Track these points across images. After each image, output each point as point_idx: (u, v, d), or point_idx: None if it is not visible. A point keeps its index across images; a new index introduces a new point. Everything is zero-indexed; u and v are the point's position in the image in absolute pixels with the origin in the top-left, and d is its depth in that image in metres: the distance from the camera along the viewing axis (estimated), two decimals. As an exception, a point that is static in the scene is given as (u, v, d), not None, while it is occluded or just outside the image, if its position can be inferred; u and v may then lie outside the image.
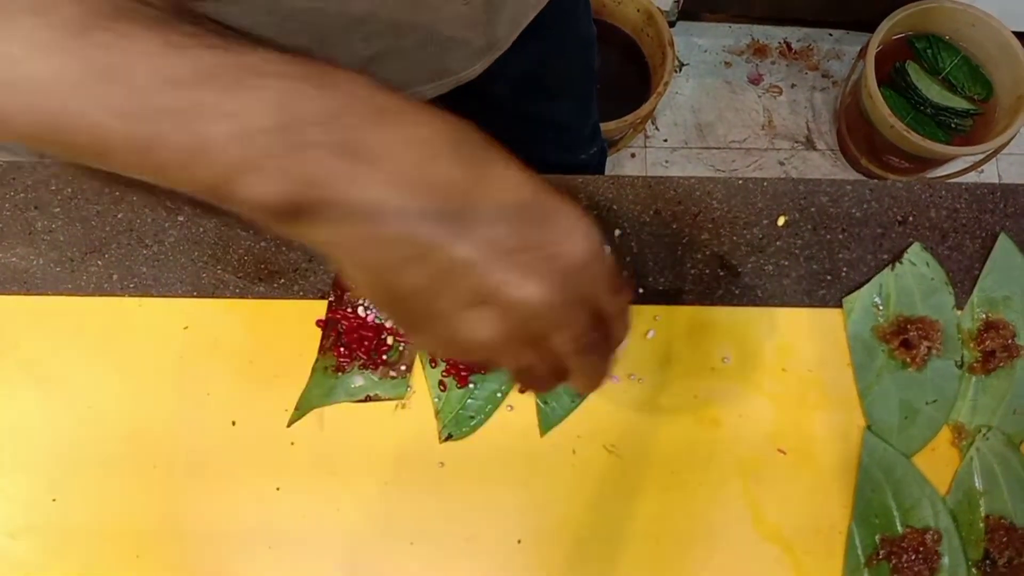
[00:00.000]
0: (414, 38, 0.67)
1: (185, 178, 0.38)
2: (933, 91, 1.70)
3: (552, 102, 1.01)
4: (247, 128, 0.36)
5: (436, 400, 0.64)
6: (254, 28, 0.60)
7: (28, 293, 0.65)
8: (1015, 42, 1.64)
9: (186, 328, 0.65)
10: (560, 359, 0.43)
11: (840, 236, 0.69)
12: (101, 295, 0.65)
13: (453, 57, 0.72)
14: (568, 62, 0.97)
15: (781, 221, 0.69)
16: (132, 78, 0.36)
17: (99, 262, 0.66)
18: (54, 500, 0.61)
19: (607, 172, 1.45)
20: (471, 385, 0.64)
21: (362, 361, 0.64)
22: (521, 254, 0.38)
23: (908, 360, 0.64)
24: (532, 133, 1.06)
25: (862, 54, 1.69)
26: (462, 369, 0.64)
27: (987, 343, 0.65)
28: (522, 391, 0.63)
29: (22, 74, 0.36)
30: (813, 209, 0.69)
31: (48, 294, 0.65)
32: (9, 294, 0.65)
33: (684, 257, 0.68)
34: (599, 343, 0.44)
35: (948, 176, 1.76)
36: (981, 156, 1.67)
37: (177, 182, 0.38)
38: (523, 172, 0.40)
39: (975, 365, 0.65)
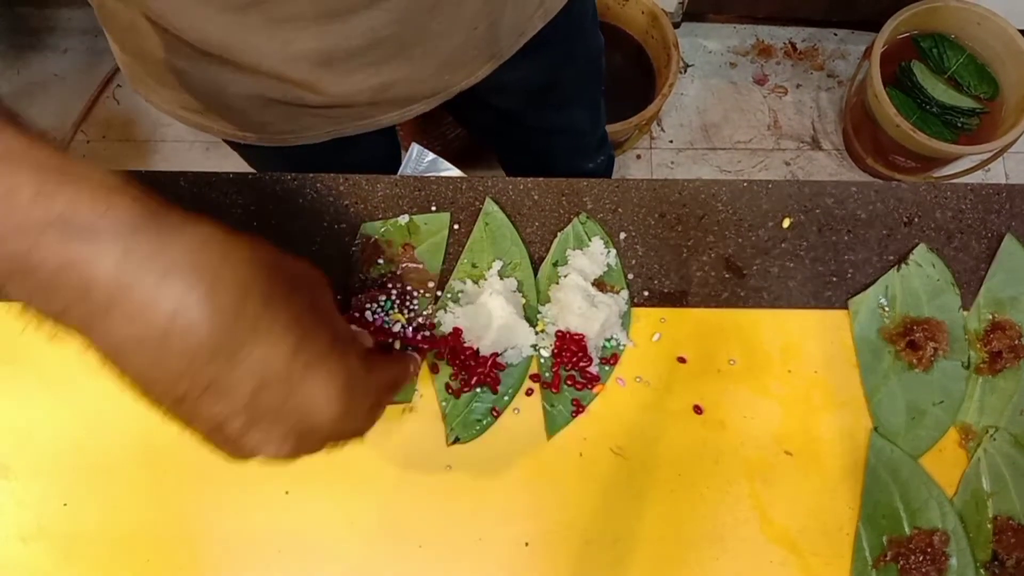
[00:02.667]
0: (423, 63, 0.67)
1: None
2: (939, 90, 1.70)
3: (560, 112, 1.01)
4: None
5: (443, 404, 0.64)
6: (261, 62, 0.61)
7: (38, 300, 0.65)
8: (1021, 40, 1.63)
9: (195, 333, 0.65)
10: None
11: (846, 237, 0.69)
12: (110, 301, 0.65)
13: (458, 74, 0.73)
14: (576, 73, 0.97)
15: (786, 223, 0.69)
16: None
17: (108, 268, 0.66)
18: (65, 505, 0.61)
19: (613, 174, 1.45)
20: (477, 389, 0.64)
21: (369, 365, 0.64)
22: (264, 424, 0.39)
23: (915, 361, 0.64)
24: (541, 143, 1.06)
25: (867, 54, 1.69)
26: (463, 383, 0.64)
27: (994, 344, 0.65)
28: None
29: None
30: (818, 211, 0.69)
31: (58, 300, 0.65)
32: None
33: (690, 260, 0.68)
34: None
35: (955, 175, 1.75)
36: (988, 155, 1.66)
37: None
38: (285, 338, 0.38)
39: (982, 366, 0.65)
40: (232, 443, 0.40)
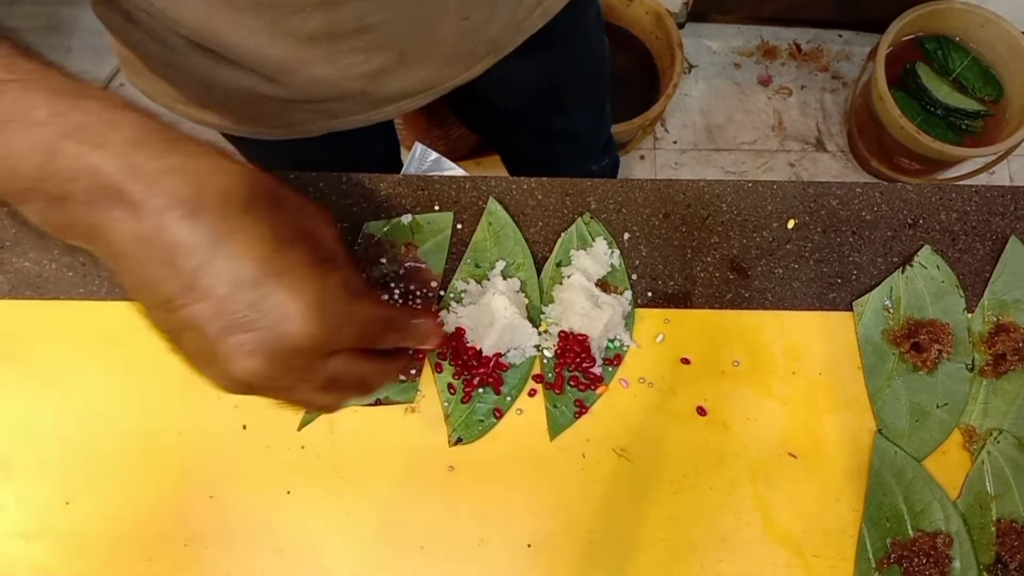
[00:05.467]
0: (413, 54, 0.67)
1: None
2: (943, 92, 1.70)
3: (565, 114, 1.01)
4: (11, 171, 0.39)
5: (446, 404, 0.64)
6: (248, 49, 0.61)
7: (41, 298, 0.65)
8: (1026, 42, 1.63)
9: (197, 332, 0.65)
10: (321, 391, 0.45)
11: (850, 239, 0.69)
12: (113, 299, 0.66)
13: (452, 67, 0.73)
14: (580, 76, 0.97)
15: (791, 224, 0.69)
16: None
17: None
18: (67, 503, 0.61)
19: (617, 175, 1.45)
20: (480, 390, 0.64)
21: (372, 365, 0.64)
22: (238, 334, 0.40)
23: (919, 363, 0.64)
24: (545, 145, 1.06)
25: (872, 55, 1.69)
26: (466, 384, 0.64)
27: (998, 346, 0.65)
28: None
29: None
30: (823, 212, 0.69)
31: (60, 299, 0.65)
32: (23, 299, 0.65)
33: (694, 260, 0.68)
34: (352, 385, 0.46)
35: (959, 177, 1.75)
36: (992, 157, 1.66)
37: None
38: (259, 246, 0.40)
39: (986, 368, 0.65)
40: (208, 355, 0.41)
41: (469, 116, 1.11)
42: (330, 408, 0.48)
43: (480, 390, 0.64)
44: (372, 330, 0.46)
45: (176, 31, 0.60)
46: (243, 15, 0.58)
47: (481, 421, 0.64)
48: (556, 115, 1.00)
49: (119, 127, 0.39)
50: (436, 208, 0.69)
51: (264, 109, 0.72)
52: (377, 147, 0.98)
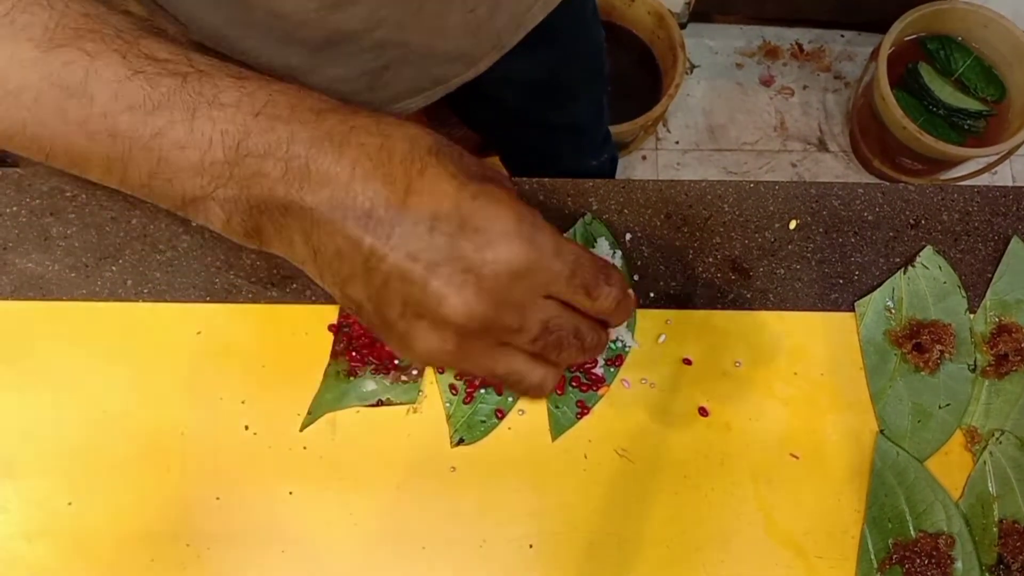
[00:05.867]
0: (420, 49, 0.67)
1: (152, 196, 0.41)
2: (946, 92, 1.70)
3: (563, 108, 1.01)
4: (199, 161, 0.39)
5: (447, 404, 0.64)
6: (261, 53, 0.61)
7: (43, 299, 0.65)
8: (1029, 43, 1.63)
9: (199, 333, 0.65)
10: (533, 361, 0.44)
11: (852, 239, 0.69)
12: (115, 300, 0.66)
13: (457, 64, 0.73)
14: (579, 68, 0.97)
15: (793, 225, 0.69)
16: (93, 99, 0.39)
17: (113, 268, 0.66)
18: (70, 504, 0.62)
19: (618, 175, 1.45)
20: (482, 390, 0.64)
21: (374, 366, 0.64)
22: (444, 267, 0.39)
23: (921, 364, 0.64)
24: (544, 138, 1.06)
25: (874, 55, 1.69)
26: (468, 384, 0.64)
27: (1000, 347, 0.65)
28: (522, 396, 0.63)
29: None
30: (825, 212, 0.69)
31: (63, 300, 0.66)
32: (25, 300, 0.65)
33: (695, 261, 0.68)
34: (569, 339, 0.44)
35: (961, 178, 1.75)
36: (995, 157, 1.66)
37: (147, 198, 0.42)
38: (451, 180, 0.40)
39: (988, 369, 0.65)
40: (418, 303, 0.40)
41: (470, 113, 1.11)
42: (542, 387, 0.45)
43: (482, 391, 0.64)
44: (584, 271, 0.43)
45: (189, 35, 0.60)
46: (257, 26, 0.58)
47: (483, 422, 0.64)
48: (556, 109, 1.00)
49: (304, 99, 0.40)
50: (438, 209, 0.69)
51: None
52: None
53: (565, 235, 0.67)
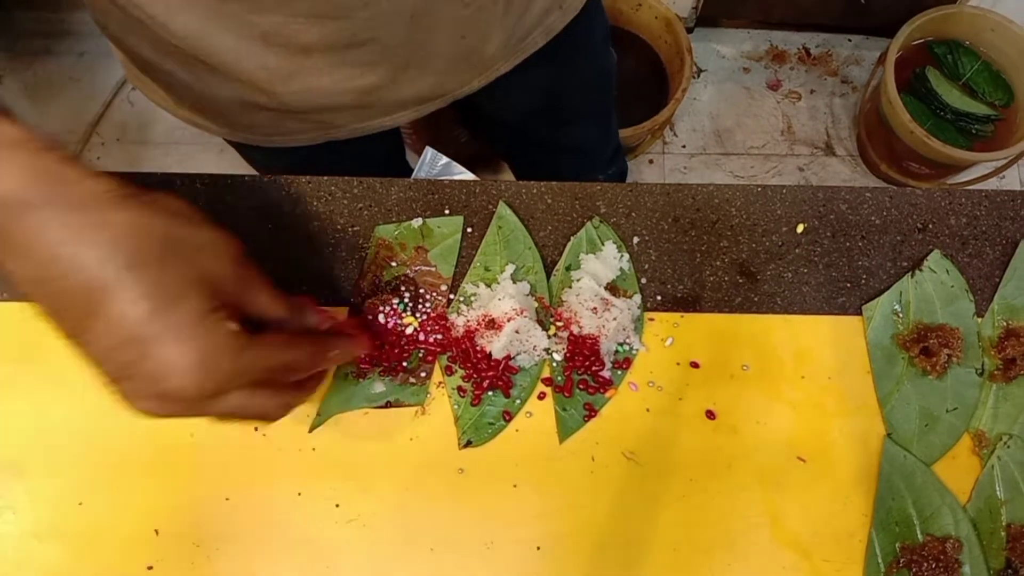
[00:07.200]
0: (408, 70, 0.67)
1: None
2: (953, 96, 1.70)
3: (568, 130, 1.00)
4: None
5: (455, 406, 0.64)
6: (239, 60, 0.62)
7: (55, 300, 0.66)
8: (1036, 47, 1.63)
9: (209, 335, 0.65)
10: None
11: (859, 243, 0.69)
12: (126, 302, 0.66)
13: (449, 82, 0.73)
14: (585, 92, 0.96)
15: (800, 228, 0.69)
16: None
17: (124, 269, 0.66)
18: (80, 504, 0.62)
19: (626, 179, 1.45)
20: (490, 392, 0.64)
21: (382, 368, 0.64)
22: (124, 381, 0.42)
23: (928, 368, 0.64)
24: (550, 157, 1.06)
25: (881, 60, 1.69)
26: (476, 387, 0.64)
27: (1008, 351, 0.65)
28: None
29: None
30: (832, 216, 0.69)
31: (74, 301, 0.66)
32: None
33: (703, 264, 0.68)
34: (255, 415, 0.48)
35: (969, 182, 1.75)
36: (1003, 162, 1.66)
37: None
38: (141, 304, 0.41)
39: (996, 373, 0.65)
40: (111, 384, 0.43)
41: (474, 127, 1.11)
42: (266, 417, 0.49)
43: (490, 393, 0.64)
44: (268, 374, 0.46)
45: (170, 41, 0.60)
46: (238, 26, 0.58)
47: (491, 424, 0.64)
48: (559, 129, 1.00)
49: (9, 166, 0.40)
50: (446, 212, 0.69)
51: (257, 118, 0.72)
52: (379, 155, 0.98)
53: (572, 239, 0.67)
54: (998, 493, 0.62)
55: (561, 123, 0.99)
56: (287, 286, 0.66)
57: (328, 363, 0.52)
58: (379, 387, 0.64)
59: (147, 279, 0.41)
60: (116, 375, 0.42)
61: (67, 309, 0.41)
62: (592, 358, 0.64)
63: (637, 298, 0.66)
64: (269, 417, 0.49)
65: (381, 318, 0.65)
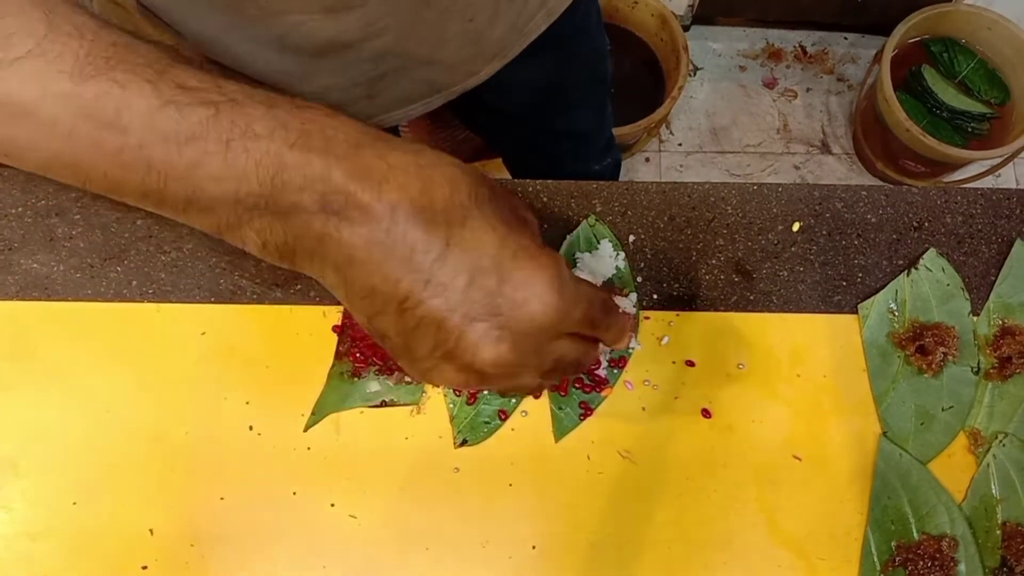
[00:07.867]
0: (419, 58, 0.67)
1: (190, 221, 0.42)
2: (949, 95, 1.70)
3: (565, 115, 1.01)
4: (235, 192, 0.39)
5: (451, 405, 0.64)
6: (256, 59, 0.61)
7: (49, 299, 0.66)
8: (1032, 45, 1.63)
9: (203, 333, 0.65)
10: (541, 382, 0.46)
11: (855, 242, 0.69)
12: (120, 301, 0.66)
13: (458, 72, 0.73)
14: (582, 75, 0.97)
15: (796, 227, 0.69)
16: (126, 131, 0.39)
17: (118, 268, 0.66)
18: (74, 503, 0.62)
19: (621, 177, 1.45)
20: (485, 392, 0.64)
21: (378, 367, 0.64)
22: (480, 322, 0.40)
23: (924, 366, 0.64)
24: (546, 144, 1.07)
25: (877, 58, 1.69)
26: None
27: (1003, 349, 0.65)
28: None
29: (28, 113, 0.39)
30: (828, 215, 0.69)
31: (68, 300, 0.66)
32: (30, 300, 0.66)
33: (699, 263, 0.68)
34: (572, 367, 0.47)
35: (965, 180, 1.75)
36: (998, 160, 1.66)
37: (185, 222, 0.42)
38: (491, 233, 0.41)
39: (991, 371, 0.65)
40: (449, 348, 0.41)
41: (472, 118, 1.11)
42: (535, 392, 0.56)
43: (485, 392, 0.64)
44: (595, 312, 0.45)
45: (186, 40, 0.60)
46: (254, 29, 0.58)
47: (486, 423, 0.64)
48: (558, 116, 1.00)
49: (340, 132, 0.40)
50: (442, 210, 0.69)
51: None
52: None
53: (568, 237, 0.67)
54: (994, 491, 0.62)
55: (560, 108, 0.99)
56: (284, 284, 0.66)
57: (621, 329, 0.50)
58: (375, 386, 0.64)
59: (490, 211, 0.41)
60: (469, 317, 0.40)
61: (410, 258, 0.39)
62: (588, 357, 0.64)
63: (633, 296, 0.66)
64: (580, 366, 0.48)
65: (376, 317, 0.65)
